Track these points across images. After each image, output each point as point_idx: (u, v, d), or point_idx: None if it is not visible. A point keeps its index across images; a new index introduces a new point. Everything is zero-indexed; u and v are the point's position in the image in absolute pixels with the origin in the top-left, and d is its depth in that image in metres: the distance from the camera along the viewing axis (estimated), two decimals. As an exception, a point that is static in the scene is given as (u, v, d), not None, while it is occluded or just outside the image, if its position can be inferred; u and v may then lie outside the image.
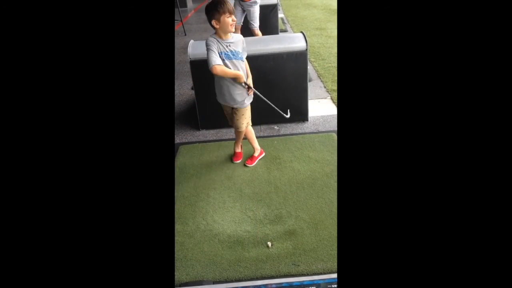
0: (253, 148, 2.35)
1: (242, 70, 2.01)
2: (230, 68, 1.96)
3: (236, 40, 1.97)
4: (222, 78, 2.00)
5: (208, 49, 1.91)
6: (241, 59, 2.00)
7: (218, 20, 1.86)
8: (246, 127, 2.22)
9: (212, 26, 1.91)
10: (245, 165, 2.31)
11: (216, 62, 1.88)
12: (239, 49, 1.98)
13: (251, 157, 2.35)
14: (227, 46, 1.94)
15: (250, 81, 2.09)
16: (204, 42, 1.98)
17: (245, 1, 3.70)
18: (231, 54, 1.96)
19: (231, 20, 1.86)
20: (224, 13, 1.84)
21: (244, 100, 2.10)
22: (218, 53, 1.92)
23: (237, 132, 2.27)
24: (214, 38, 1.93)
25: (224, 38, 1.94)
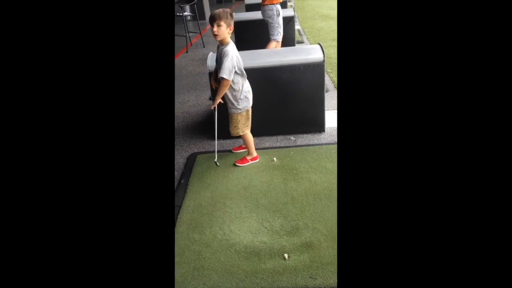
0: (248, 151, 2.48)
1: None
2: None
3: (221, 51, 2.16)
4: None
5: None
6: (219, 67, 2.19)
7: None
8: (240, 134, 2.37)
9: None
10: (235, 165, 2.45)
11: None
12: (221, 59, 2.17)
13: (243, 157, 2.48)
14: (218, 53, 2.23)
15: (217, 98, 2.24)
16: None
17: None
18: (216, 59, 2.28)
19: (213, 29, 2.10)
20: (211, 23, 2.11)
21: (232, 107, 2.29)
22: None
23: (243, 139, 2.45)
24: None
25: (221, 44, 2.18)
